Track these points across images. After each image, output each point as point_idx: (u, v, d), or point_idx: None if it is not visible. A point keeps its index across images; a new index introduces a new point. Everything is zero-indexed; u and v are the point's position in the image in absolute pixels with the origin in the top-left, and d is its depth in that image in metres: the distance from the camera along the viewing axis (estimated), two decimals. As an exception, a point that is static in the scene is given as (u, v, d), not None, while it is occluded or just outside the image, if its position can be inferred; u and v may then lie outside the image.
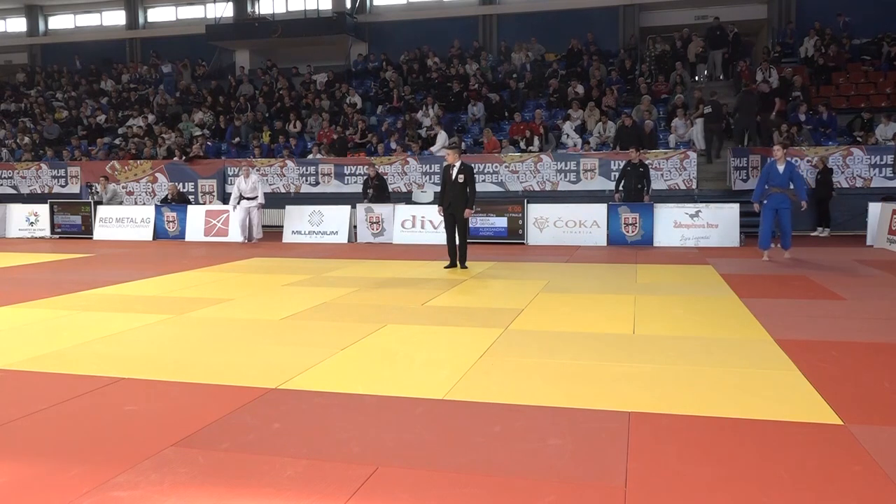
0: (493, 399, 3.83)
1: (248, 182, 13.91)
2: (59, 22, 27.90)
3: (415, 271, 9.37)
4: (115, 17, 27.01)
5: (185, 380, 4.26)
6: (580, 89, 17.86)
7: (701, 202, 13.11)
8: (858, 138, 15.05)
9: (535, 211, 13.31)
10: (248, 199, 13.92)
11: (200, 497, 2.72)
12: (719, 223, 12.45)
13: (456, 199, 9.28)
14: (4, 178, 19.22)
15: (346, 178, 16.54)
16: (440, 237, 11.12)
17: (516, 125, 16.97)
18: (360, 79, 21.68)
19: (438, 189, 10.77)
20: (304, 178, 16.83)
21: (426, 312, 6.39)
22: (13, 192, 18.93)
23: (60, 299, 7.24)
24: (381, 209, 14.07)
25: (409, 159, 16.21)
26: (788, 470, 2.90)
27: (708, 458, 3.04)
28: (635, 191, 12.85)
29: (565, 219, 13.16)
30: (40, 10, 27.72)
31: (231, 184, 16.06)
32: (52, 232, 15.97)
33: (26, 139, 20.99)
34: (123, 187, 17.54)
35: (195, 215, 15.15)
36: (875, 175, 14.26)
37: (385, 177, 15.58)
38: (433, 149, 16.52)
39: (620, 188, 13.05)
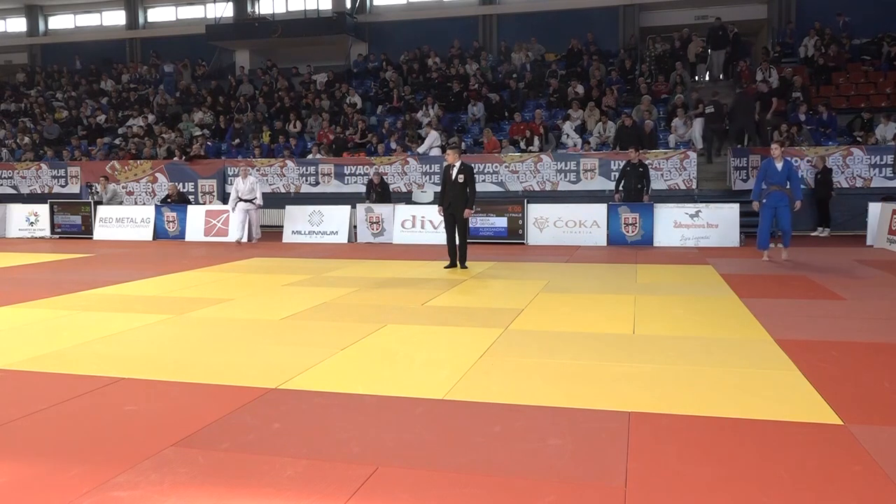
0: (493, 399, 3.83)
1: (246, 183, 13.88)
2: (59, 22, 27.90)
3: (415, 271, 9.37)
4: (115, 17, 27.00)
5: (185, 380, 4.26)
6: (580, 89, 17.86)
7: (701, 202, 13.12)
8: (858, 138, 15.05)
9: (535, 211, 13.31)
10: (245, 200, 13.89)
11: (200, 497, 2.72)
12: (719, 223, 12.45)
13: (456, 199, 9.29)
14: (4, 178, 19.22)
15: (346, 178, 16.54)
16: (440, 237, 11.12)
17: (516, 125, 16.97)
18: (360, 79, 21.68)
19: (438, 189, 10.78)
20: (304, 178, 16.82)
21: (426, 312, 6.39)
22: (13, 192, 18.93)
23: (60, 299, 7.24)
24: (381, 209, 14.07)
25: (409, 159, 16.21)
26: (788, 470, 2.90)
27: (708, 458, 3.04)
28: (635, 191, 12.86)
29: (565, 219, 13.17)
30: (40, 10, 27.72)
31: (231, 184, 16.05)
32: (52, 232, 15.97)
33: (26, 139, 20.99)
34: (123, 187, 17.54)
35: (195, 215, 15.15)
36: (875, 175, 14.26)
37: (385, 177, 15.59)
38: (420, 149, 16.47)
39: (620, 188, 13.06)
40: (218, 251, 12.47)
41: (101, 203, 15.88)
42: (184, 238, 15.06)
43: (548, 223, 13.23)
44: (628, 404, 3.71)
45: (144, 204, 17.00)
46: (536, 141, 16.46)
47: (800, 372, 4.28)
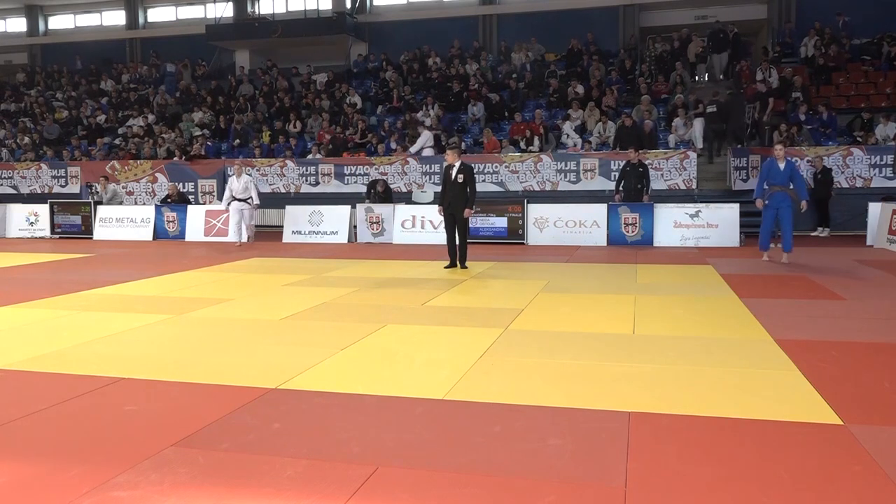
0: (492, 399, 3.83)
1: (240, 182, 13.41)
2: (59, 22, 27.90)
3: (415, 271, 9.37)
4: (115, 17, 27.00)
5: (185, 380, 4.26)
6: (580, 89, 17.86)
7: (701, 202, 13.11)
8: (858, 138, 15.05)
9: (535, 211, 13.31)
10: (239, 199, 13.47)
11: (200, 497, 2.72)
12: (719, 223, 12.45)
13: (456, 199, 9.29)
14: (4, 178, 19.22)
15: (346, 178, 16.54)
16: (440, 237, 11.12)
17: (516, 125, 16.97)
18: (360, 79, 21.68)
19: (438, 189, 10.77)
20: (304, 178, 16.82)
21: (426, 312, 6.39)
22: (13, 192, 18.92)
23: (60, 299, 7.24)
24: (381, 209, 14.06)
25: (409, 159, 16.21)
26: (788, 470, 2.90)
27: (708, 458, 3.04)
28: (635, 191, 12.85)
29: (565, 219, 13.16)
30: (40, 10, 27.72)
31: (232, 184, 16.03)
32: (52, 232, 15.97)
33: (26, 139, 20.99)
34: (123, 187, 17.53)
35: (195, 215, 15.15)
36: (875, 175, 14.25)
37: (385, 177, 15.58)
38: (412, 149, 16.45)
39: (620, 188, 13.05)
40: (218, 251, 12.47)
41: (101, 203, 15.88)
42: (184, 238, 15.06)
43: (548, 223, 13.23)
44: (628, 404, 3.71)
45: (144, 204, 16.99)
46: (536, 141, 16.46)
47: (800, 372, 4.28)
